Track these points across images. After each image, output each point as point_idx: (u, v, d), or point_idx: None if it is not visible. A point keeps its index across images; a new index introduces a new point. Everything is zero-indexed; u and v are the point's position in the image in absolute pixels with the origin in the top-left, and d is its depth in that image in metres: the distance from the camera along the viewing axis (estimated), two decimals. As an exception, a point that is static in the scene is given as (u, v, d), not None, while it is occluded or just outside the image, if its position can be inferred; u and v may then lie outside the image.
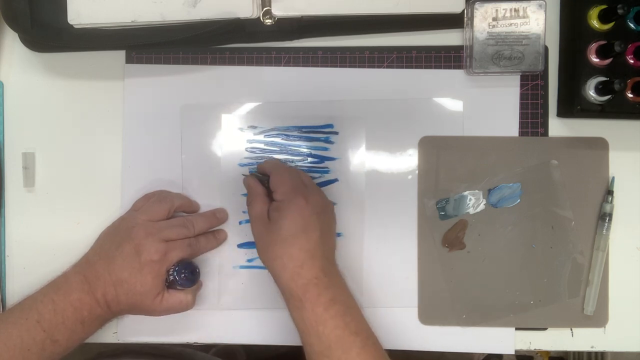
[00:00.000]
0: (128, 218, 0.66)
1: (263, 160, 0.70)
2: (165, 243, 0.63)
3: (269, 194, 0.64)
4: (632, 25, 0.66)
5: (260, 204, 0.63)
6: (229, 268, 0.70)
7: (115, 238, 0.64)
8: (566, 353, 1.43)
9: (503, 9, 0.67)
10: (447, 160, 0.69)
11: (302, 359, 0.61)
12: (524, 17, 0.67)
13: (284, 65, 0.71)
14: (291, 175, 0.64)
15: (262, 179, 0.66)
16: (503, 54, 0.67)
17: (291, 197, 0.61)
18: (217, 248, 0.70)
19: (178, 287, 0.64)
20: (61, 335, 0.60)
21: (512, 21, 0.67)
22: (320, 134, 0.70)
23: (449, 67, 0.70)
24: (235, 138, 0.70)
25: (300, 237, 0.60)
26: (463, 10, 0.68)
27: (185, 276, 0.64)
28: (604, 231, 0.68)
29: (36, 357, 0.59)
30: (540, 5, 0.66)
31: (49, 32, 0.68)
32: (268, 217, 0.62)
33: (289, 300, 0.60)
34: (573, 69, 0.67)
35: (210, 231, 0.69)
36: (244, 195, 0.70)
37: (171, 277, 0.63)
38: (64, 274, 0.64)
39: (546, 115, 0.70)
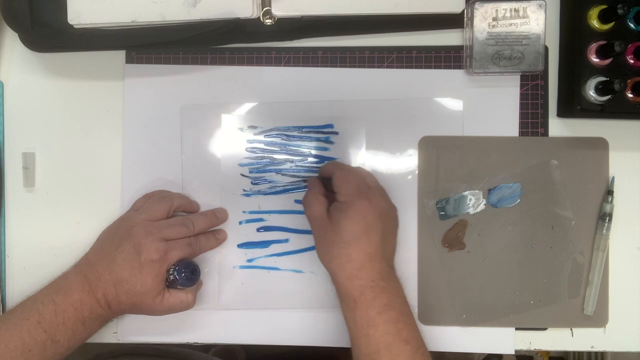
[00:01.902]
0: (128, 218, 0.66)
1: (322, 167, 0.68)
2: (165, 242, 0.63)
3: (328, 196, 0.64)
4: (632, 25, 0.66)
5: (319, 204, 0.62)
6: (229, 268, 0.70)
7: (115, 238, 0.64)
8: (566, 353, 1.44)
9: (503, 9, 0.67)
10: (447, 160, 0.69)
11: (301, 359, 0.61)
12: (524, 17, 0.67)
13: (284, 65, 0.71)
14: (355, 176, 0.63)
15: (323, 181, 0.66)
16: (503, 54, 0.67)
17: (354, 198, 0.60)
18: (217, 248, 0.70)
19: (179, 287, 0.64)
20: (62, 335, 0.60)
21: (512, 21, 0.67)
22: (321, 134, 0.70)
23: (449, 67, 0.70)
24: (235, 138, 0.70)
25: (361, 239, 0.59)
26: (463, 10, 0.68)
27: (186, 276, 0.63)
28: (604, 231, 0.68)
29: (37, 358, 0.59)
30: (540, 5, 0.66)
31: (49, 32, 0.68)
32: (328, 217, 0.61)
33: (343, 299, 0.60)
34: (573, 69, 0.67)
35: (210, 231, 0.69)
36: (244, 195, 0.70)
37: (171, 277, 0.63)
38: (64, 274, 0.63)
39: (546, 115, 0.70)
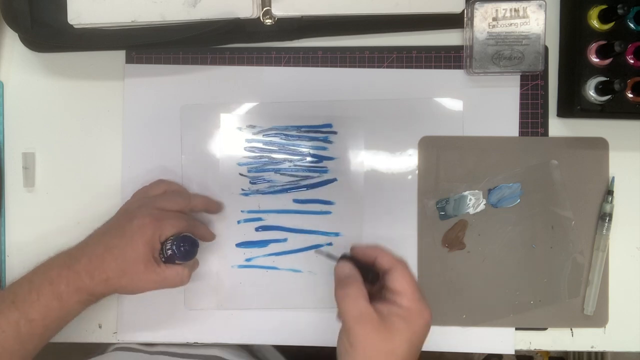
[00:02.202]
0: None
1: (366, 246, 0.57)
2: (159, 210, 0.62)
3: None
4: (632, 25, 0.66)
5: (363, 299, 0.52)
6: (227, 267, 0.70)
7: (110, 219, 0.64)
8: (566, 353, 1.43)
9: (503, 9, 0.67)
10: (447, 160, 0.69)
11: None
12: (524, 17, 0.67)
13: (284, 65, 0.71)
14: (414, 278, 0.54)
15: (358, 263, 0.56)
16: (503, 54, 0.67)
17: (421, 307, 0.52)
18: (216, 248, 0.70)
19: (177, 262, 0.62)
20: (36, 313, 0.58)
21: (512, 21, 0.67)
22: (319, 133, 0.70)
23: (449, 67, 0.70)
24: (234, 138, 0.70)
25: (414, 357, 0.52)
26: (463, 10, 0.68)
27: (185, 249, 0.61)
28: (604, 231, 0.68)
29: (12, 340, 0.57)
30: (540, 5, 0.66)
31: (49, 32, 0.68)
32: (377, 316, 0.51)
33: None
34: (573, 69, 0.67)
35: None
36: (243, 194, 0.70)
37: (169, 252, 0.61)
38: (48, 257, 0.63)
39: (546, 115, 0.70)
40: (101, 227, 0.64)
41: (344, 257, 0.56)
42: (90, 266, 0.59)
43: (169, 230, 0.61)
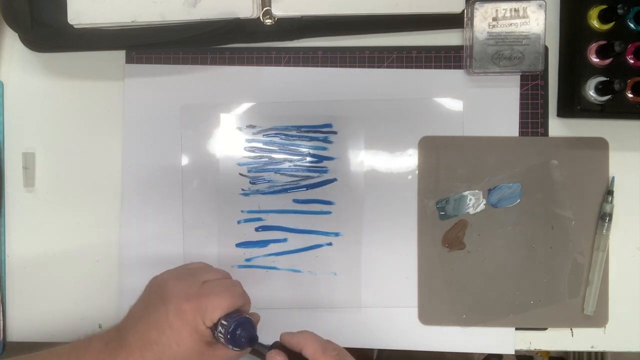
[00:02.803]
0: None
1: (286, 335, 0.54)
2: (197, 285, 0.52)
3: None
4: (632, 25, 0.66)
5: None
6: (227, 268, 0.70)
7: (144, 294, 0.56)
8: (566, 353, 1.43)
9: (503, 9, 0.67)
10: (447, 160, 0.69)
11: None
12: (524, 17, 0.67)
13: (284, 65, 0.71)
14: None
15: (289, 352, 0.53)
16: (503, 54, 0.67)
17: None
18: (216, 247, 0.70)
19: (229, 347, 0.52)
20: None
21: (512, 21, 0.67)
22: (319, 133, 0.70)
23: (449, 67, 0.70)
24: (233, 138, 0.70)
25: None
26: (463, 10, 0.67)
27: (242, 337, 0.51)
28: (604, 231, 0.68)
29: None
30: (540, 5, 0.66)
31: (49, 32, 0.68)
32: None
33: None
34: (573, 69, 0.67)
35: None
36: (243, 194, 0.70)
37: (221, 337, 0.51)
38: (90, 336, 0.54)
39: (546, 115, 0.70)
40: (136, 307, 0.55)
41: (275, 346, 0.54)
42: None
43: (214, 312, 0.51)
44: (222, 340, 0.51)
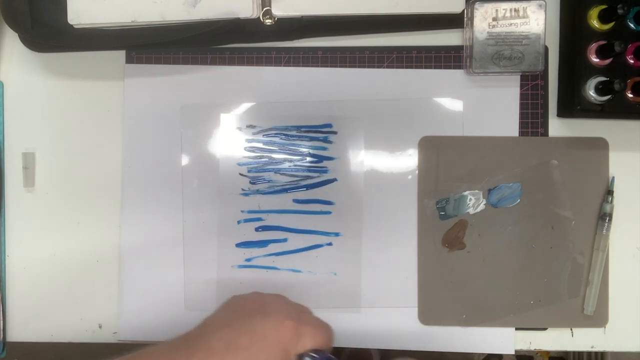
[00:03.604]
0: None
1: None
2: (298, 311, 0.53)
3: None
4: (632, 25, 0.66)
5: None
6: (227, 267, 0.70)
7: (226, 307, 0.54)
8: (566, 353, 1.44)
9: (503, 9, 0.67)
10: (447, 160, 0.69)
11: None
12: (524, 17, 0.67)
13: (284, 65, 0.71)
14: None
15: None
16: (503, 54, 0.67)
17: None
18: (216, 247, 0.70)
19: None
20: None
21: (512, 21, 0.67)
22: (319, 133, 0.70)
23: (449, 67, 0.70)
24: (233, 138, 0.70)
25: None
26: (463, 10, 0.67)
27: None
28: (604, 231, 0.68)
29: None
30: (540, 5, 0.66)
31: (49, 32, 0.68)
32: None
33: None
34: (573, 69, 0.67)
35: None
36: (243, 194, 0.70)
37: None
38: (162, 341, 0.53)
39: (546, 115, 0.70)
40: (216, 317, 0.54)
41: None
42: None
43: (308, 341, 0.51)
44: None
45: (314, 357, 0.51)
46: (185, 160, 0.70)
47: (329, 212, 0.70)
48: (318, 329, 0.52)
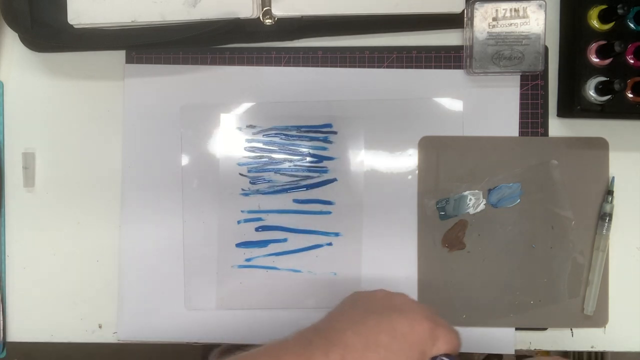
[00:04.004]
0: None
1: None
2: (432, 312, 0.51)
3: None
4: (632, 25, 0.66)
5: None
6: (227, 267, 0.70)
7: (361, 305, 0.52)
8: (566, 353, 1.43)
9: (503, 9, 0.67)
10: (447, 160, 0.69)
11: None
12: (524, 17, 0.67)
13: (284, 65, 0.71)
14: None
15: None
16: (503, 54, 0.67)
17: None
18: (215, 247, 0.70)
19: None
20: None
21: (512, 21, 0.67)
22: (319, 133, 0.70)
23: (449, 67, 0.70)
24: (234, 138, 0.70)
25: None
26: (463, 10, 0.67)
27: None
28: (604, 231, 0.68)
29: None
30: (540, 5, 0.66)
31: (49, 32, 0.68)
32: None
33: None
34: (573, 69, 0.67)
35: None
36: (243, 194, 0.70)
37: None
38: (290, 335, 0.51)
39: (546, 115, 0.70)
40: (344, 312, 0.53)
41: None
42: None
43: (442, 344, 0.50)
44: None
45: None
46: (185, 160, 0.70)
47: (329, 212, 0.70)
48: (451, 332, 0.51)
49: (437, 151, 0.69)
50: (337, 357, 0.46)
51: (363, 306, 0.52)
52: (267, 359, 0.48)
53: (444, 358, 0.50)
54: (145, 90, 0.71)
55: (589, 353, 1.33)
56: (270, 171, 0.70)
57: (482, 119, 0.70)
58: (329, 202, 0.70)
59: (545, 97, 0.70)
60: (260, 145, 0.70)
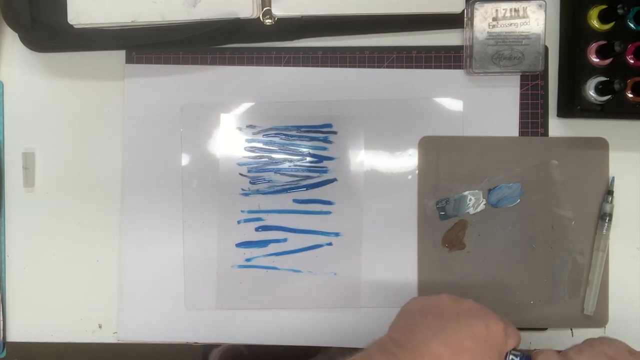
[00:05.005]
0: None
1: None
2: (494, 312, 0.53)
3: None
4: (632, 25, 0.66)
5: None
6: (227, 267, 0.70)
7: (437, 312, 0.53)
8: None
9: (503, 9, 0.67)
10: (447, 160, 0.69)
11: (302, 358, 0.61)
12: (524, 17, 0.67)
13: (284, 65, 0.71)
14: None
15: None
16: (503, 54, 0.67)
17: None
18: (215, 247, 0.70)
19: None
20: None
21: (512, 21, 0.67)
22: (319, 133, 0.70)
23: (449, 67, 0.70)
24: (234, 138, 0.70)
25: None
26: (463, 10, 0.67)
27: None
28: (604, 231, 0.68)
29: None
30: (540, 5, 0.66)
31: (49, 32, 0.68)
32: None
33: None
34: (573, 69, 0.67)
35: None
36: (243, 194, 0.70)
37: None
38: (366, 351, 0.52)
39: (546, 115, 0.70)
40: (414, 321, 0.53)
41: None
42: None
43: (512, 340, 0.52)
44: None
45: (517, 354, 0.52)
46: (185, 160, 0.70)
47: (329, 212, 0.70)
48: (516, 329, 0.53)
49: (437, 151, 0.69)
50: None
51: (435, 314, 0.53)
52: None
53: (515, 352, 0.52)
54: (145, 90, 0.71)
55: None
56: (270, 171, 0.70)
57: (482, 119, 0.70)
58: (329, 202, 0.70)
59: (545, 97, 0.70)
60: (260, 145, 0.70)
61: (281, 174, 0.70)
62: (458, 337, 0.50)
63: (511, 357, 0.52)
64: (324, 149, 0.70)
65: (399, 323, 0.55)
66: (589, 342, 0.53)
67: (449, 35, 0.70)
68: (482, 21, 0.67)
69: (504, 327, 0.52)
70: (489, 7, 0.66)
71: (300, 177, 0.70)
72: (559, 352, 0.53)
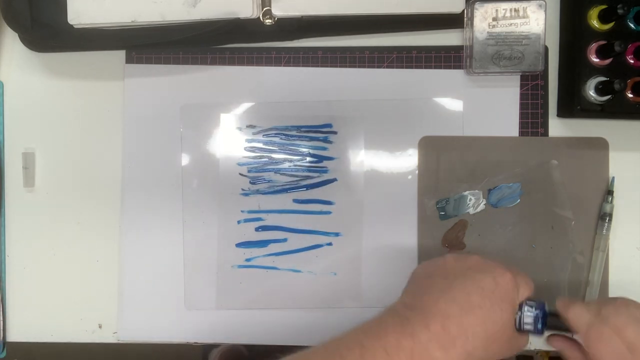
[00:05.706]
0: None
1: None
2: (503, 263, 0.53)
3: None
4: (632, 25, 0.66)
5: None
6: (227, 267, 0.70)
7: (443, 272, 0.53)
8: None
9: (503, 9, 0.67)
10: (447, 160, 0.69)
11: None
12: (524, 17, 0.67)
13: (284, 65, 0.71)
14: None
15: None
16: (503, 54, 0.67)
17: None
18: (216, 247, 0.70)
19: (531, 329, 0.52)
20: None
21: (512, 21, 0.67)
22: (319, 133, 0.70)
23: (449, 67, 0.70)
24: (234, 138, 0.70)
25: None
26: (463, 10, 0.67)
27: (544, 322, 0.52)
28: (604, 231, 0.68)
29: None
30: (540, 5, 0.66)
31: (49, 32, 0.68)
32: None
33: None
34: (573, 69, 0.67)
35: None
36: (243, 194, 0.70)
37: (530, 315, 0.51)
38: (379, 316, 0.51)
39: (546, 115, 0.70)
40: (422, 284, 0.54)
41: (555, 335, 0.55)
42: (445, 336, 0.48)
43: (524, 290, 0.52)
44: (527, 321, 0.51)
45: (532, 304, 0.52)
46: (185, 160, 0.70)
47: (329, 212, 0.70)
48: (526, 276, 0.53)
49: (437, 151, 0.69)
50: (437, 326, 0.48)
51: (441, 274, 0.53)
52: (373, 340, 0.48)
53: (529, 302, 0.52)
54: (145, 90, 0.71)
55: (589, 353, 1.33)
56: (270, 171, 0.70)
57: (482, 119, 0.70)
58: (329, 202, 0.70)
59: (545, 97, 0.70)
60: (260, 145, 0.70)
61: (281, 174, 0.70)
62: (466, 293, 0.50)
63: (526, 307, 0.52)
64: (324, 149, 0.70)
65: (409, 288, 0.55)
66: (625, 302, 0.52)
67: (449, 35, 0.70)
68: (482, 21, 0.67)
69: (512, 277, 0.51)
70: (489, 7, 0.66)
71: (300, 177, 0.70)
72: (587, 304, 0.52)
